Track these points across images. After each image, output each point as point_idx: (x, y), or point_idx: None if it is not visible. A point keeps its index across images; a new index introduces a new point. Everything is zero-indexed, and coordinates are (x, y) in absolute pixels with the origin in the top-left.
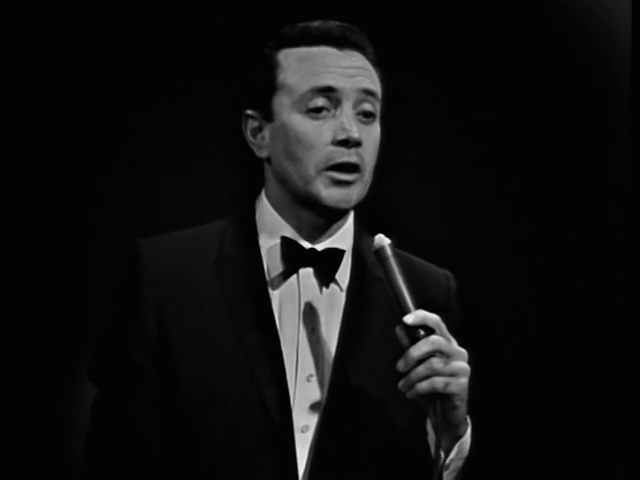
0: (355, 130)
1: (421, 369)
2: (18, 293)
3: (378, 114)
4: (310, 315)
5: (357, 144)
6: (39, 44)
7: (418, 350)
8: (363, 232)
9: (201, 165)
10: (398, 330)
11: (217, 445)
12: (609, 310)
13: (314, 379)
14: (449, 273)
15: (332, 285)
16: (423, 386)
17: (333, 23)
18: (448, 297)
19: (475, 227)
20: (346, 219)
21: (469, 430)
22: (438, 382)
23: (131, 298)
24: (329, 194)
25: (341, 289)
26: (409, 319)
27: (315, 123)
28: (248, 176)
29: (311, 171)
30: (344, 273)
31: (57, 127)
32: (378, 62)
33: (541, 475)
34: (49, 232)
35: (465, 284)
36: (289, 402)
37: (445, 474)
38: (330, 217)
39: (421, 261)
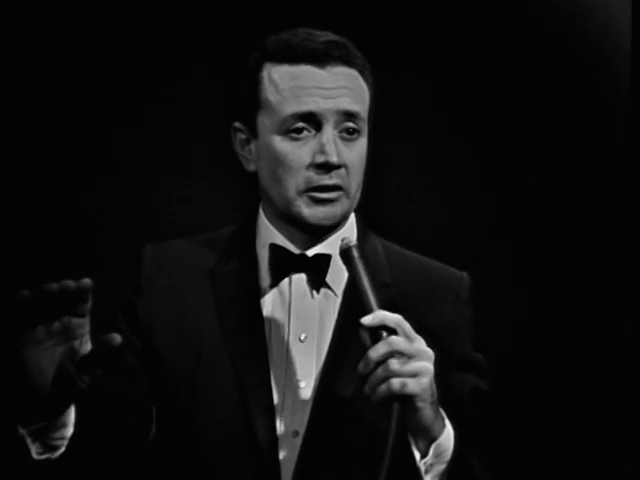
0: (334, 153)
1: (379, 371)
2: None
3: (364, 130)
4: (300, 320)
5: (336, 167)
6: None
7: (376, 352)
8: (369, 234)
9: (212, 169)
10: (362, 332)
11: (201, 451)
12: (613, 312)
13: (303, 384)
14: (465, 276)
15: (325, 290)
16: (382, 389)
17: (318, 37)
18: (456, 299)
19: (482, 227)
20: (343, 224)
21: (447, 432)
22: (395, 383)
23: (128, 303)
24: (311, 213)
25: (335, 294)
26: (367, 320)
27: (295, 144)
28: (253, 184)
29: (291, 192)
30: (340, 277)
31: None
32: (368, 70)
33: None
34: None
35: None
36: (273, 409)
37: (427, 478)
38: (315, 234)
39: (434, 263)
